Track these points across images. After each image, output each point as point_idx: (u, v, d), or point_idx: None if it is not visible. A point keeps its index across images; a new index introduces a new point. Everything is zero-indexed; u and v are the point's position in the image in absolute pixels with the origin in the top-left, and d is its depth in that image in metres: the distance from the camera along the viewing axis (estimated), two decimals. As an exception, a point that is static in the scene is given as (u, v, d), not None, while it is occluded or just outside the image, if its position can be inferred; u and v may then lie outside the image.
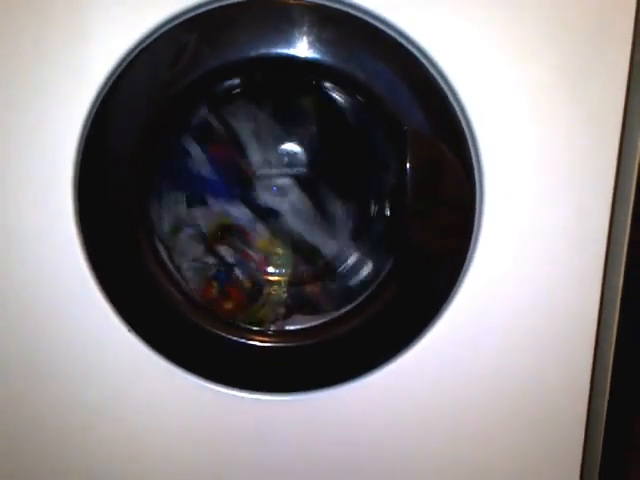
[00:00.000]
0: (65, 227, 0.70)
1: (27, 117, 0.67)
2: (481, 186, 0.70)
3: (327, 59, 0.68)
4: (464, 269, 0.72)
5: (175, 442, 0.78)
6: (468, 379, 0.75)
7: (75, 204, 0.69)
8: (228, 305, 0.83)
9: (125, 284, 0.73)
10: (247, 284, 0.85)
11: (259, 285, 0.85)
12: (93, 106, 0.67)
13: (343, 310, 0.77)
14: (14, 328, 0.73)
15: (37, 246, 0.71)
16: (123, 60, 0.67)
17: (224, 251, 0.85)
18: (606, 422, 0.80)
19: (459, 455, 0.78)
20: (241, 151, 0.82)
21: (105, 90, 0.67)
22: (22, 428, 0.77)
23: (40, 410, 0.76)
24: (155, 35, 0.67)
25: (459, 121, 0.69)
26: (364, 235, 0.85)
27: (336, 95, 0.77)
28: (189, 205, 0.84)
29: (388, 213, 0.81)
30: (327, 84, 0.75)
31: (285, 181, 0.84)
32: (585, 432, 0.78)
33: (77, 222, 0.70)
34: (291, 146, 0.83)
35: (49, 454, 0.78)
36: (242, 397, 0.76)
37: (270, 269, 0.86)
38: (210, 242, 0.84)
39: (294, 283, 0.85)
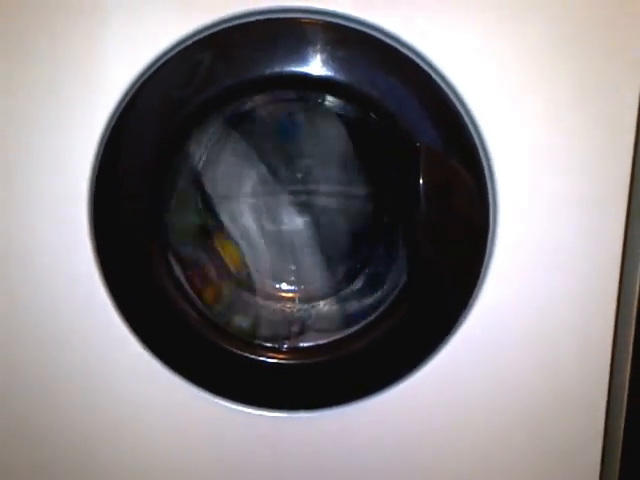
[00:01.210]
0: (79, 242, 0.70)
1: (43, 134, 0.68)
2: (495, 203, 0.70)
3: (340, 77, 0.69)
4: (478, 286, 0.72)
5: (188, 459, 0.77)
6: (481, 397, 0.75)
7: (90, 219, 0.70)
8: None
9: (138, 300, 0.73)
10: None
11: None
12: (109, 123, 0.68)
13: (356, 327, 0.77)
14: (24, 342, 0.74)
15: (50, 260, 0.71)
16: (139, 78, 0.67)
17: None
18: (623, 442, 0.80)
19: (472, 475, 0.78)
20: (254, 168, 0.83)
21: (121, 107, 0.68)
22: (30, 444, 0.78)
23: (47, 426, 0.76)
24: (170, 54, 0.67)
25: (472, 138, 0.69)
26: (377, 252, 0.85)
27: (349, 112, 0.77)
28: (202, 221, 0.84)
29: (401, 230, 0.81)
30: (340, 101, 0.75)
31: (298, 198, 0.84)
32: (602, 457, 0.78)
33: (91, 238, 0.70)
34: (304, 163, 0.84)
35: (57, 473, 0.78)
36: (256, 414, 0.75)
37: (283, 286, 0.86)
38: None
39: (307, 300, 0.86)
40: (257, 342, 0.77)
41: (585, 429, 0.77)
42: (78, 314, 0.72)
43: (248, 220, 0.84)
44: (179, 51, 0.67)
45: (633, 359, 0.76)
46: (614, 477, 0.80)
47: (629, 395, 0.77)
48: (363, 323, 0.76)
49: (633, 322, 0.75)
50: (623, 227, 0.71)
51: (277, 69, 0.68)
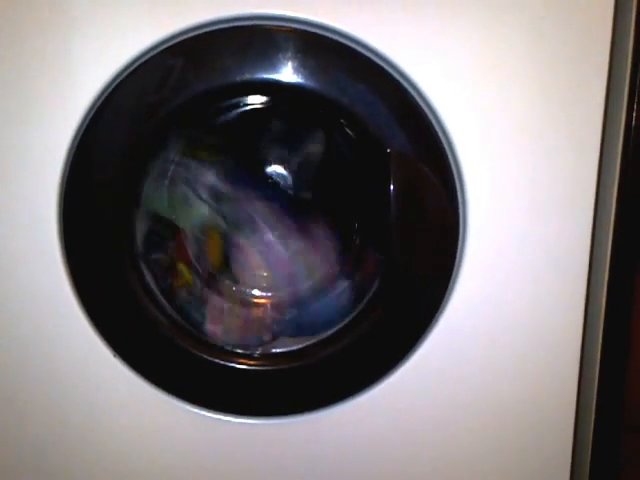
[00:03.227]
0: (48, 247, 0.70)
1: (14, 137, 0.68)
2: (464, 207, 0.71)
3: (311, 84, 0.69)
4: (449, 289, 0.73)
5: (159, 466, 0.76)
6: (455, 398, 0.75)
7: (59, 224, 0.69)
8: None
9: (109, 308, 0.73)
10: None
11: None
12: (79, 129, 0.68)
13: (330, 332, 0.77)
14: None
15: (19, 265, 0.70)
16: (110, 83, 0.68)
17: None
18: (593, 442, 0.80)
19: (447, 475, 0.78)
20: (225, 174, 0.83)
21: (92, 113, 0.68)
22: (2, 456, 0.76)
23: (14, 431, 0.75)
24: (141, 60, 0.68)
25: (441, 143, 0.70)
26: (349, 256, 0.86)
27: (319, 118, 0.78)
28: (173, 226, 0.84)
29: (373, 234, 0.81)
30: (311, 108, 0.76)
31: (270, 203, 0.84)
32: (572, 454, 0.78)
33: (61, 243, 0.70)
34: (276, 169, 0.84)
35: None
36: (228, 421, 0.75)
37: (255, 292, 0.86)
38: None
39: (280, 306, 0.85)
40: (229, 348, 0.76)
41: (555, 428, 0.77)
42: (46, 320, 0.71)
43: (219, 225, 0.84)
44: (151, 57, 0.68)
45: (602, 357, 0.77)
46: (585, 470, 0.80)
47: (598, 390, 0.78)
48: (336, 328, 0.77)
49: (601, 322, 0.76)
50: (590, 229, 0.72)
51: (248, 76, 0.69)
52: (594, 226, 0.72)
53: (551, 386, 0.75)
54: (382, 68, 0.69)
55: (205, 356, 0.74)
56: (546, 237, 0.72)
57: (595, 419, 0.79)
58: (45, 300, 0.71)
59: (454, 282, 0.72)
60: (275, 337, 0.80)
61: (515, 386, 0.75)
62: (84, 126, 0.68)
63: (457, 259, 0.72)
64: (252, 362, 0.75)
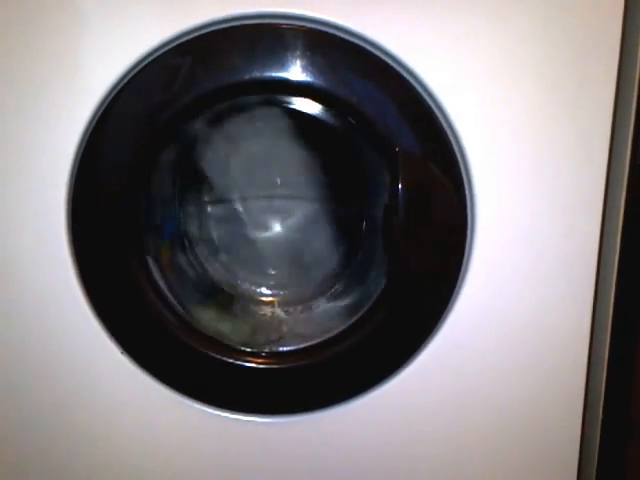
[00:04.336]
0: (58, 248, 0.70)
1: (21, 138, 0.68)
2: (472, 206, 0.71)
3: (319, 82, 0.69)
4: (456, 289, 0.73)
5: (167, 465, 0.77)
6: (461, 398, 0.75)
7: (68, 224, 0.70)
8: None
9: (118, 305, 0.73)
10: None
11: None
12: (88, 127, 0.68)
13: (336, 331, 0.77)
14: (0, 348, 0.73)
15: (29, 267, 0.71)
16: (118, 82, 0.68)
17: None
18: (599, 449, 0.80)
19: (452, 476, 0.78)
20: (233, 173, 0.83)
21: (100, 111, 0.68)
22: (8, 454, 0.76)
23: (27, 431, 0.75)
24: (150, 58, 0.68)
25: (450, 142, 0.70)
26: (356, 257, 0.86)
27: (328, 117, 0.78)
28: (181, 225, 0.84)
29: (380, 234, 0.81)
30: (319, 106, 0.75)
31: (278, 203, 0.85)
32: (579, 454, 0.78)
33: (69, 242, 0.70)
34: (284, 168, 0.84)
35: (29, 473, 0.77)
36: (236, 419, 0.75)
37: (263, 290, 0.86)
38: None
39: (287, 304, 0.85)
40: (236, 347, 0.76)
41: (562, 433, 0.77)
42: (54, 317, 0.72)
43: (227, 224, 0.84)
44: (159, 56, 0.68)
45: (609, 357, 0.77)
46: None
47: (605, 396, 0.78)
48: (343, 327, 0.77)
49: (609, 321, 0.76)
50: (599, 228, 0.72)
51: (256, 74, 0.69)
52: (602, 225, 0.72)
53: (558, 386, 0.75)
54: (391, 67, 0.69)
55: (212, 354, 0.74)
56: (554, 236, 0.72)
57: (602, 419, 0.79)
58: (53, 298, 0.71)
59: (461, 282, 0.72)
60: (282, 336, 0.80)
61: (522, 386, 0.75)
62: (92, 124, 0.68)
63: (465, 258, 0.72)
64: (259, 360, 0.75)
